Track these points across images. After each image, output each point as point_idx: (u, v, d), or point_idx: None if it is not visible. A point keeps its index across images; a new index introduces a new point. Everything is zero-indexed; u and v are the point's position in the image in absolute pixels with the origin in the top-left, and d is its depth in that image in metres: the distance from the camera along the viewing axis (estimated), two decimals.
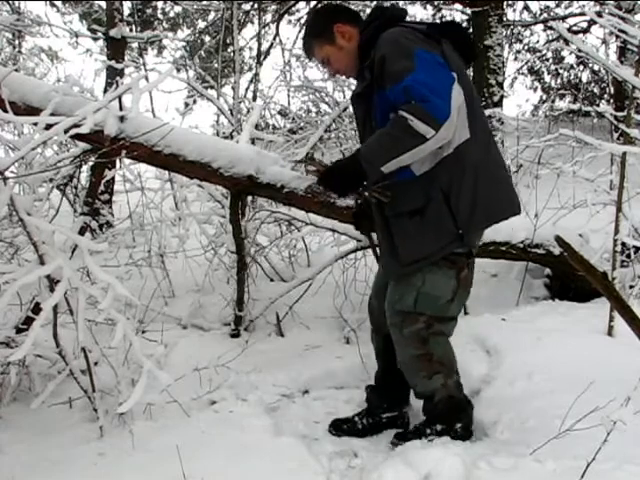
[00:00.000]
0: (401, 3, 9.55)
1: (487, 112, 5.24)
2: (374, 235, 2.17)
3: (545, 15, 9.43)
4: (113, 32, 5.08)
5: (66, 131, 1.69)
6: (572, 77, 10.35)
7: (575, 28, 8.98)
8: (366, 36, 1.90)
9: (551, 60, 10.38)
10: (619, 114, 2.86)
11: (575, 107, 4.91)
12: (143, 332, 2.83)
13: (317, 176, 1.96)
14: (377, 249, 2.21)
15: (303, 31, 2.14)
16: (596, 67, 9.45)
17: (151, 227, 3.57)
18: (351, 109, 2.33)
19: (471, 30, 6.98)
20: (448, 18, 10.09)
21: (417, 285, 1.91)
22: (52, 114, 1.90)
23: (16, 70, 2.90)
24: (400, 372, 2.08)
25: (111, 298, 1.67)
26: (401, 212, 1.88)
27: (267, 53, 7.06)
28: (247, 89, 6.43)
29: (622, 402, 1.76)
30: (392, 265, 1.97)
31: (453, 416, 2.03)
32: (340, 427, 2.17)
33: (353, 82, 2.18)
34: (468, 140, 1.81)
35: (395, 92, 1.73)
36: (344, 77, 2.23)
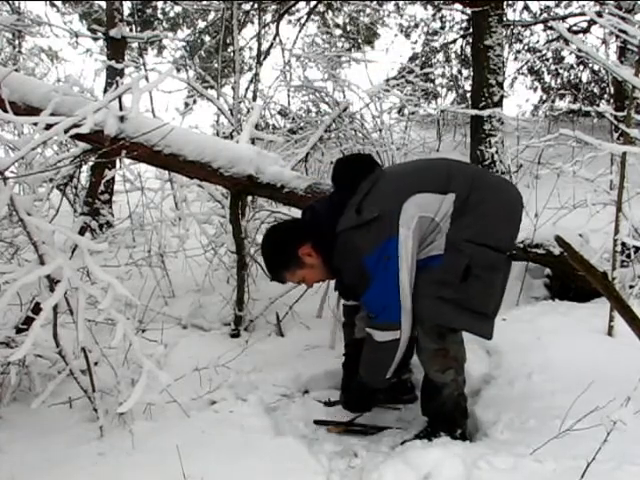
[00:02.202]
0: (401, 3, 9.55)
1: (487, 112, 5.25)
2: None
3: (545, 15, 9.42)
4: (113, 32, 5.07)
5: (66, 131, 1.69)
6: (572, 77, 10.34)
7: (575, 28, 8.96)
8: (325, 253, 2.05)
9: (551, 60, 10.36)
10: (619, 114, 2.85)
11: (575, 107, 4.91)
12: (143, 332, 2.83)
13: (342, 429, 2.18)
14: None
15: (264, 262, 2.20)
16: (596, 67, 9.44)
17: (151, 227, 3.57)
18: (351, 108, 2.38)
19: (471, 30, 6.99)
20: (448, 18, 10.10)
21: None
22: (52, 114, 1.90)
23: (16, 70, 2.90)
24: None
25: (111, 298, 1.67)
26: None
27: (267, 53, 7.05)
28: (247, 89, 6.43)
29: (622, 402, 1.76)
30: None
31: (457, 419, 2.06)
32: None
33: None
34: (446, 250, 1.91)
35: (361, 301, 2.09)
36: None
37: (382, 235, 1.89)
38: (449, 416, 2.05)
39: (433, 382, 2.06)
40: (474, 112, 5.29)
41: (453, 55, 10.52)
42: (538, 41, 10.38)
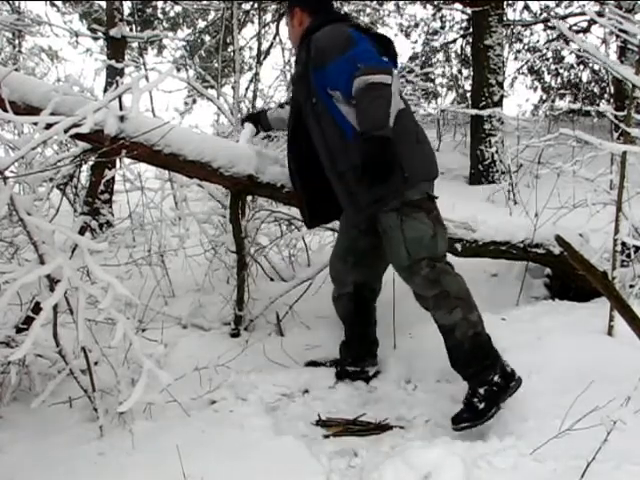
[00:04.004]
0: (401, 3, 9.54)
1: (487, 112, 5.25)
2: None
3: (545, 15, 9.41)
4: (113, 32, 5.06)
5: (66, 131, 1.69)
6: (572, 77, 10.33)
7: (575, 28, 8.96)
8: (310, 26, 2.29)
9: (551, 60, 10.36)
10: (619, 113, 2.85)
11: (575, 107, 4.91)
12: (143, 331, 2.82)
13: (342, 430, 2.16)
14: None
15: None
16: (596, 67, 9.44)
17: (151, 227, 3.56)
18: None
19: (471, 30, 6.98)
20: (448, 18, 10.09)
21: (400, 238, 2.12)
22: (52, 114, 1.90)
23: (16, 70, 2.90)
24: (360, 330, 2.56)
25: (111, 298, 1.67)
26: (350, 167, 2.15)
27: (267, 53, 7.05)
28: (247, 89, 6.43)
29: (622, 402, 1.76)
30: (353, 212, 2.28)
31: (483, 357, 2.08)
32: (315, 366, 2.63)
33: None
34: (404, 110, 2.19)
35: (338, 64, 2.08)
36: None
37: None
38: (473, 358, 2.07)
39: (444, 327, 2.12)
40: (474, 112, 5.30)
41: (453, 55, 10.52)
42: (538, 41, 10.38)
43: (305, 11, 2.35)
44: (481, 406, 2.02)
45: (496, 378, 2.05)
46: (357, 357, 2.57)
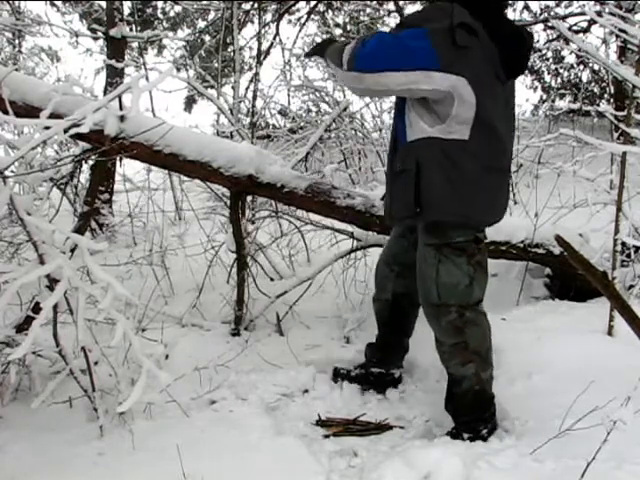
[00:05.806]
0: (401, 2, 9.54)
1: None
2: None
3: (545, 15, 9.40)
4: (113, 32, 5.05)
5: (66, 131, 1.68)
6: (572, 77, 10.32)
7: (575, 28, 8.95)
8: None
9: (551, 60, 10.35)
10: (619, 114, 2.85)
11: (575, 106, 4.89)
12: (143, 331, 2.82)
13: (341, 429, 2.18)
14: None
15: None
16: (596, 67, 9.43)
17: (152, 226, 3.56)
18: (351, 108, 2.40)
19: None
20: None
21: (433, 277, 2.00)
22: (52, 114, 1.90)
23: (16, 70, 2.90)
24: (393, 337, 2.45)
25: (111, 298, 1.67)
26: (390, 172, 2.11)
27: (267, 53, 7.03)
28: (247, 89, 6.41)
29: (622, 402, 1.75)
30: (387, 217, 2.23)
31: (480, 412, 2.04)
32: (338, 373, 2.51)
33: None
34: (465, 142, 1.89)
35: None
36: None
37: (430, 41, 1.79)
38: (470, 410, 2.04)
39: (453, 375, 2.07)
40: None
41: None
42: (538, 41, 10.34)
43: None
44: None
45: (484, 432, 2.02)
46: (384, 360, 2.48)
